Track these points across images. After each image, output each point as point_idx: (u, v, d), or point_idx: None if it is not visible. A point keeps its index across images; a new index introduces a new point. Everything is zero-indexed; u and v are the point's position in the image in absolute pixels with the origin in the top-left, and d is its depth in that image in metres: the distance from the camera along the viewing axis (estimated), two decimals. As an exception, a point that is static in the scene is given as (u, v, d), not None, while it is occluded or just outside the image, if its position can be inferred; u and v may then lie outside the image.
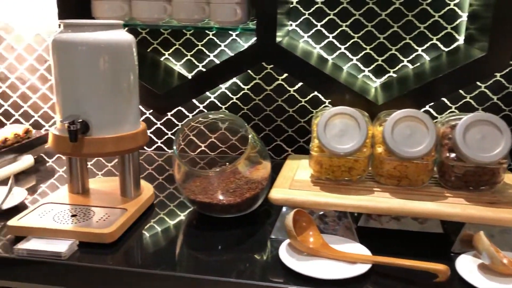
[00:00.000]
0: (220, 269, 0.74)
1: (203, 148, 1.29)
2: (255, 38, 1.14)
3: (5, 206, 0.90)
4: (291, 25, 1.18)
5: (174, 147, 0.86)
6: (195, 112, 1.29)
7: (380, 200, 0.80)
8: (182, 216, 0.93)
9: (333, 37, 1.18)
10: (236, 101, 1.27)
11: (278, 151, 1.28)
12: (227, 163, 1.02)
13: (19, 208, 0.92)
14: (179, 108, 1.29)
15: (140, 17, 1.04)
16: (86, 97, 0.83)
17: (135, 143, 0.89)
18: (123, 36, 0.86)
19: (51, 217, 0.83)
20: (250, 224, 0.89)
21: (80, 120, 0.82)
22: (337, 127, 0.83)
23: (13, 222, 0.80)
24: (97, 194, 0.94)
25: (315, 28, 1.18)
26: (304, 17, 1.18)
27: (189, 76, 1.27)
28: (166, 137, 1.33)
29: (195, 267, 0.76)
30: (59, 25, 0.85)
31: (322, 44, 1.19)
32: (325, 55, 1.19)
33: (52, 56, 0.85)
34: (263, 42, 1.00)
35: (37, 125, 1.38)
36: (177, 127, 1.31)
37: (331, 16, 1.17)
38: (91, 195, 0.94)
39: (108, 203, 0.89)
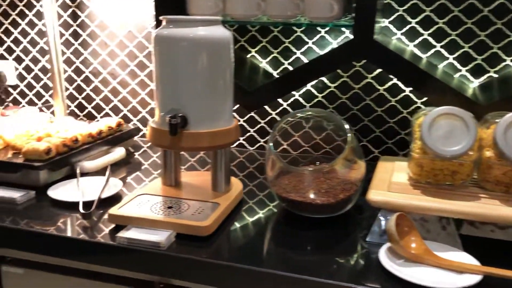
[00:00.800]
0: (312, 269, 0.72)
1: (300, 144, 1.28)
2: (345, 35, 1.11)
3: (104, 195, 0.93)
4: (383, 22, 1.14)
5: (271, 144, 0.86)
6: (278, 110, 1.29)
7: (489, 207, 0.74)
8: (270, 212, 0.92)
9: (428, 35, 1.13)
10: (322, 99, 1.24)
11: (364, 153, 1.24)
12: (318, 162, 1.00)
13: (116, 198, 0.96)
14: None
15: (234, 13, 1.05)
16: (185, 92, 0.85)
17: (229, 138, 0.89)
18: (222, 32, 0.87)
19: (148, 208, 0.85)
20: (341, 225, 0.86)
21: (181, 115, 0.83)
22: (442, 128, 0.78)
23: (113, 210, 0.83)
24: (189, 187, 0.96)
25: (409, 25, 1.13)
26: (398, 13, 1.13)
27: (275, 73, 1.26)
28: (248, 134, 1.33)
29: (286, 265, 0.74)
30: (161, 21, 0.87)
31: (416, 41, 1.14)
32: (419, 53, 1.14)
33: (154, 51, 0.87)
34: (361, 39, 0.97)
35: (125, 119, 1.43)
36: (259, 124, 1.31)
37: (427, 13, 1.11)
38: (183, 188, 0.95)
39: (201, 196, 0.90)
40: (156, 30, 0.86)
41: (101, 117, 1.45)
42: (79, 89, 1.45)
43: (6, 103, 1.54)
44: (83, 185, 0.99)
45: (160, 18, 0.86)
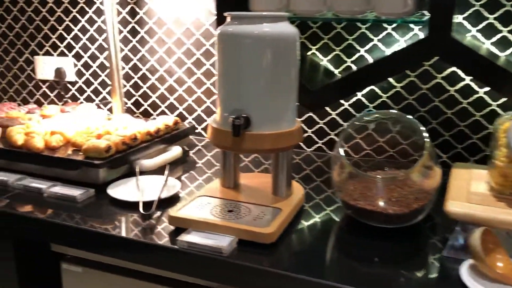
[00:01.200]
0: (381, 283, 0.66)
1: (362, 147, 1.22)
2: (414, 32, 1.04)
3: (163, 195, 0.92)
4: (457, 18, 1.06)
5: (340, 148, 0.81)
6: (338, 111, 1.23)
7: None
8: (330, 219, 0.87)
9: (508, 32, 1.04)
10: (387, 99, 1.18)
11: (429, 157, 1.17)
12: (386, 168, 0.94)
13: (175, 198, 0.94)
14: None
15: (298, 9, 1.00)
16: (249, 91, 0.81)
17: (292, 140, 0.85)
18: (289, 29, 0.82)
19: (208, 211, 0.82)
20: (411, 236, 0.80)
21: (244, 115, 0.80)
22: (534, 135, 0.71)
23: (173, 212, 0.81)
24: (248, 190, 0.92)
25: (487, 21, 1.05)
26: (474, 9, 1.05)
27: (336, 71, 1.20)
28: (305, 135, 1.29)
29: (352, 277, 0.69)
30: (222, 17, 0.84)
31: (494, 39, 1.05)
32: (496, 51, 1.05)
33: (217, 48, 0.84)
34: (437, 36, 0.90)
35: (181, 118, 1.41)
36: (318, 125, 1.26)
37: (508, 8, 1.02)
38: (242, 190, 0.92)
39: (261, 200, 0.87)
40: (220, 27, 0.83)
41: (157, 115, 1.45)
42: (136, 87, 1.45)
43: (64, 99, 1.56)
44: (142, 184, 0.98)
45: (225, 14, 0.83)
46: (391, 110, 1.14)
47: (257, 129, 0.82)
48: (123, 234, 0.80)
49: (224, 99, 0.83)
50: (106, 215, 0.87)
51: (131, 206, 0.89)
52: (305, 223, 0.85)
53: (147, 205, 0.88)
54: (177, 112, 1.42)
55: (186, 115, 1.42)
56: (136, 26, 1.40)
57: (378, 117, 0.88)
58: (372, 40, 1.15)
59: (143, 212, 0.84)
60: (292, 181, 0.92)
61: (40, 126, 1.10)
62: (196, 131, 1.40)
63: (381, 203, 0.79)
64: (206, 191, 0.91)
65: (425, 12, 0.96)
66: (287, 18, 0.84)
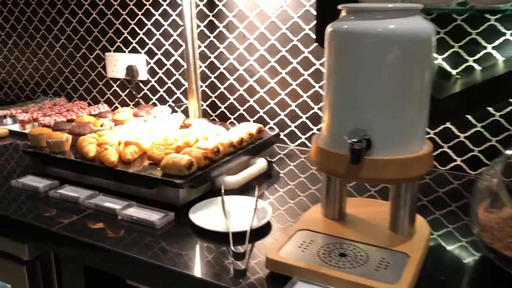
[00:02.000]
0: None
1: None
2: None
3: (254, 224, 0.77)
4: None
5: (494, 179, 0.62)
6: (485, 122, 0.99)
7: None
8: (465, 259, 0.69)
9: None
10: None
11: None
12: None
13: (267, 228, 0.79)
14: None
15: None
16: (372, 105, 0.64)
17: (422, 168, 0.67)
18: (422, 25, 0.64)
19: (315, 253, 0.66)
20: None
21: (366, 137, 0.63)
22: None
23: (273, 254, 0.66)
24: (357, 223, 0.75)
25: None
26: None
27: (453, 72, 1.00)
28: (440, 150, 1.09)
29: None
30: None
31: None
32: None
33: (327, 48, 0.67)
34: None
35: (261, 122, 1.26)
36: (457, 139, 1.06)
37: None
38: (350, 224, 0.75)
39: (378, 240, 0.69)
40: (333, 23, 0.66)
41: (234, 118, 1.31)
42: (213, 87, 1.32)
43: (136, 99, 1.46)
44: (227, 207, 0.84)
45: (340, 7, 0.66)
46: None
47: (379, 153, 0.64)
48: (211, 278, 0.66)
49: (338, 114, 0.67)
50: (189, 248, 0.73)
51: (218, 237, 0.75)
52: (437, 265, 0.67)
53: (236, 236, 0.74)
54: (256, 116, 1.27)
55: (267, 119, 1.26)
56: (214, 20, 1.26)
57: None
58: (504, 34, 0.94)
59: (234, 250, 0.69)
60: (415, 215, 0.74)
61: (113, 135, 0.99)
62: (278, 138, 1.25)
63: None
64: (306, 223, 0.75)
65: None
66: (420, 11, 0.66)
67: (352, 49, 0.64)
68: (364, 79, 0.64)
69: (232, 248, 0.70)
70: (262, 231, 0.77)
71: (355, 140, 0.61)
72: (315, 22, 1.13)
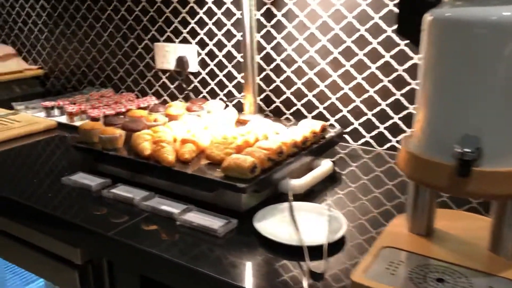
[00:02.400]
0: None
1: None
2: None
3: (330, 239, 0.68)
4: None
5: None
6: None
7: None
8: None
9: None
10: None
11: None
12: None
13: (342, 242, 0.70)
14: None
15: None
16: (484, 108, 0.54)
17: (537, 180, 0.57)
18: (548, 11, 0.53)
19: (406, 277, 0.58)
20: None
21: (478, 146, 0.53)
22: None
23: (358, 276, 0.57)
24: (449, 241, 0.66)
25: None
26: None
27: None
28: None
29: None
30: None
31: None
32: None
33: (427, 39, 0.58)
34: None
35: (320, 119, 1.17)
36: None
37: None
38: (441, 241, 0.66)
39: (476, 262, 0.60)
40: (436, 9, 0.57)
41: (290, 114, 1.22)
42: (268, 80, 1.23)
43: (186, 92, 1.39)
44: (296, 216, 0.76)
45: (444, -10, 0.57)
46: None
47: (491, 164, 0.54)
48: (288, 300, 0.58)
49: (440, 116, 0.57)
50: (257, 262, 0.66)
51: (287, 249, 0.67)
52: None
53: (311, 251, 0.65)
54: (315, 112, 1.18)
55: (327, 115, 1.17)
56: (272, 8, 1.17)
57: None
58: None
59: (311, 270, 0.61)
60: None
61: (169, 131, 0.92)
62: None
63: None
64: (390, 239, 0.66)
65: None
66: (543, -5, 0.55)
67: (460, 42, 0.55)
68: (478, 77, 0.54)
69: (310, 266, 0.62)
70: (337, 247, 0.69)
71: (467, 150, 0.51)
72: (386, 10, 1.03)
